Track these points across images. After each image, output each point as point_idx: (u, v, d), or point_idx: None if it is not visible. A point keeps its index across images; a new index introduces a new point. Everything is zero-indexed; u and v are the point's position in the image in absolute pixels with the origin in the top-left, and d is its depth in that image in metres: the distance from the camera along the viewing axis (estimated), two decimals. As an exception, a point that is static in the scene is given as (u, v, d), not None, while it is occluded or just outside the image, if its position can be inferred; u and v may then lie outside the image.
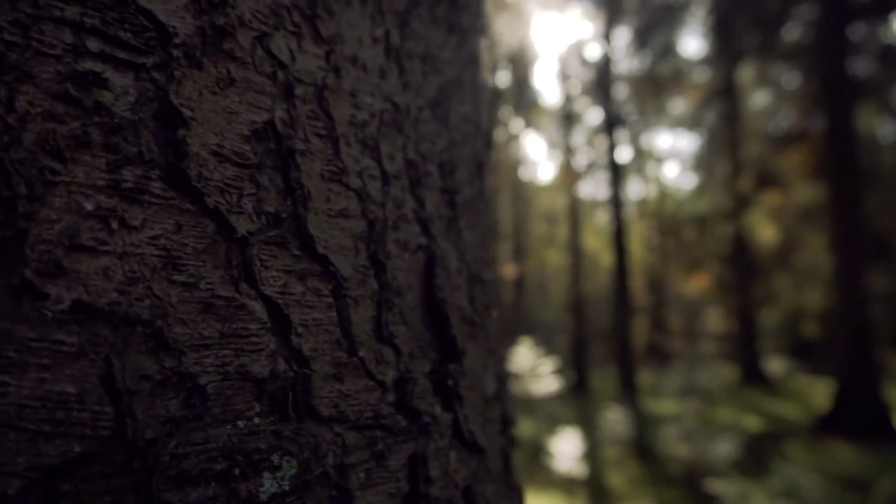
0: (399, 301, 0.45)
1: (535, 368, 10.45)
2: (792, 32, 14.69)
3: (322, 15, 0.42)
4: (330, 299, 0.39)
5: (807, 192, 16.68)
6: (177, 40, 0.35)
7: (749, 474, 8.22)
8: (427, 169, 0.55)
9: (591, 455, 9.82)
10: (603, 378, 18.29)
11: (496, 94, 22.03)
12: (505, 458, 0.64)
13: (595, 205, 25.85)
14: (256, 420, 0.33)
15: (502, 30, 18.91)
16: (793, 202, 17.58)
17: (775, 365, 18.64)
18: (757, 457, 8.97)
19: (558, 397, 14.59)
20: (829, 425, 10.69)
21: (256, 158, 0.37)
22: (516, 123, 27.02)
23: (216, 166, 0.36)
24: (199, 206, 0.35)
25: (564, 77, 16.73)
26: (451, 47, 0.64)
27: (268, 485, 0.32)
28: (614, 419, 10.04)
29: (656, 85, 14.80)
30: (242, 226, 0.35)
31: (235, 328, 0.34)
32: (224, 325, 0.34)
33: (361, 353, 0.41)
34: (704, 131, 19.81)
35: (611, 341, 18.16)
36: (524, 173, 29.22)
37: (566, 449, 8.22)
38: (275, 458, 0.33)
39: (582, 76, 16.72)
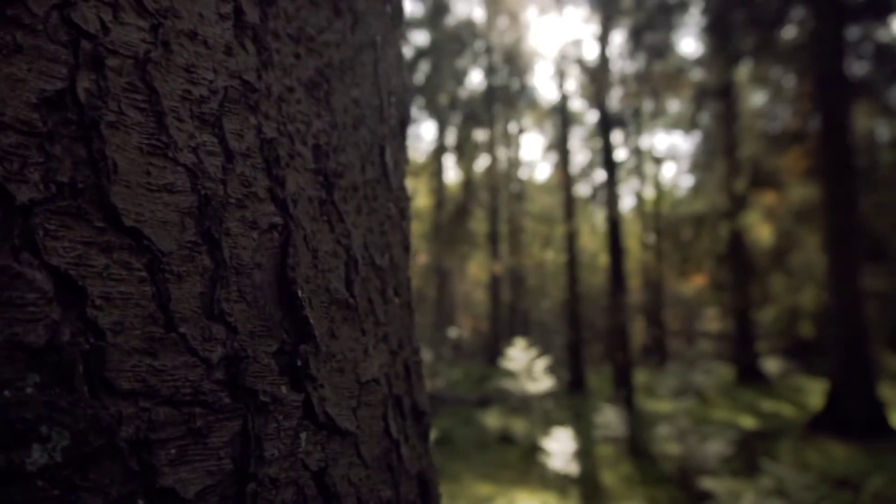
0: (239, 279, 0.45)
1: (529, 367, 10.46)
2: (788, 32, 14.70)
3: None
4: (144, 273, 0.39)
5: (803, 192, 16.68)
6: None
7: (741, 473, 8.23)
8: (295, 149, 0.54)
9: (586, 454, 9.84)
10: (600, 377, 18.30)
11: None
12: (397, 447, 0.63)
13: (592, 205, 25.86)
14: (30, 390, 0.33)
15: (500, 30, 18.93)
16: (789, 202, 17.58)
17: (772, 365, 18.64)
18: (750, 455, 8.97)
19: (554, 396, 14.60)
20: (822, 424, 10.69)
21: (46, 127, 0.36)
22: (514, 123, 27.04)
23: None
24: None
25: (561, 77, 16.72)
26: (339, 30, 0.63)
27: (36, 455, 0.32)
28: (609, 418, 10.04)
29: (652, 85, 14.79)
30: (24, 194, 0.35)
31: (9, 297, 0.33)
32: (-3, 293, 0.33)
33: (182, 330, 0.40)
34: (700, 132, 19.81)
35: (608, 341, 18.17)
36: (522, 173, 29.25)
37: (560, 448, 8.23)
38: (43, 429, 0.32)
39: (578, 76, 16.72)
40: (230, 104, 0.47)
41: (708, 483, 7.20)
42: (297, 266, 0.50)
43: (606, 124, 13.21)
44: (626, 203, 37.22)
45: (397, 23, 0.84)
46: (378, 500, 0.57)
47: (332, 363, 0.53)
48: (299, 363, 0.48)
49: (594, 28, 13.48)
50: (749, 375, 17.03)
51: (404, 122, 0.79)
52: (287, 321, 0.49)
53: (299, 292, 0.49)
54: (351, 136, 0.63)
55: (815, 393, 14.19)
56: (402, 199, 0.77)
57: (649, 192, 26.54)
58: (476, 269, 32.21)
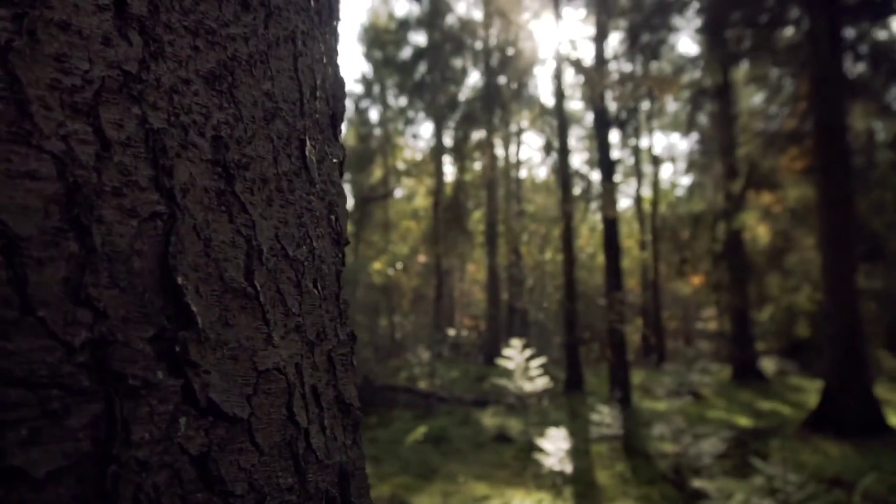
0: (112, 265, 0.46)
1: (525, 367, 10.48)
2: (784, 32, 14.70)
3: None
4: None
5: (800, 192, 16.69)
6: None
7: (736, 471, 8.24)
8: (189, 140, 0.55)
9: (581, 453, 9.85)
10: (598, 377, 18.31)
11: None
12: (306, 435, 0.64)
13: (590, 204, 25.88)
14: None
15: (498, 30, 18.94)
16: (786, 202, 17.59)
17: (769, 364, 18.66)
18: (745, 454, 8.99)
19: (551, 396, 14.63)
20: (817, 423, 10.70)
21: None
22: (512, 123, 27.06)
23: None
24: None
25: (559, 77, 16.74)
26: (248, 24, 0.64)
27: None
28: (604, 417, 10.06)
29: (647, 85, 14.81)
30: None
31: None
32: None
33: (41, 313, 0.41)
34: (697, 132, 19.83)
35: (606, 340, 18.15)
36: (520, 172, 29.27)
37: (554, 447, 8.25)
38: None
39: (576, 76, 16.74)
40: (108, 94, 0.48)
41: (701, 482, 7.22)
42: (180, 254, 0.51)
43: (603, 124, 13.23)
44: (625, 203, 37.23)
45: (328, 18, 0.84)
46: (276, 487, 0.58)
47: (223, 350, 0.54)
48: (178, 349, 0.49)
49: (591, 28, 13.49)
50: (746, 375, 17.04)
51: (336, 116, 0.79)
52: (169, 308, 0.49)
53: (180, 280, 0.50)
54: (262, 128, 0.64)
55: (812, 392, 14.19)
56: (330, 193, 0.78)
57: (648, 193, 26.57)
58: (475, 269, 32.24)
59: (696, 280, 21.76)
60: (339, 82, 0.81)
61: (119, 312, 0.46)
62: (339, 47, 0.86)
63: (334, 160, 0.78)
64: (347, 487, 0.71)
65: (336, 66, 0.81)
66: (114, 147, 0.48)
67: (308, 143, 0.72)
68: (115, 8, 0.49)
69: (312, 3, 0.78)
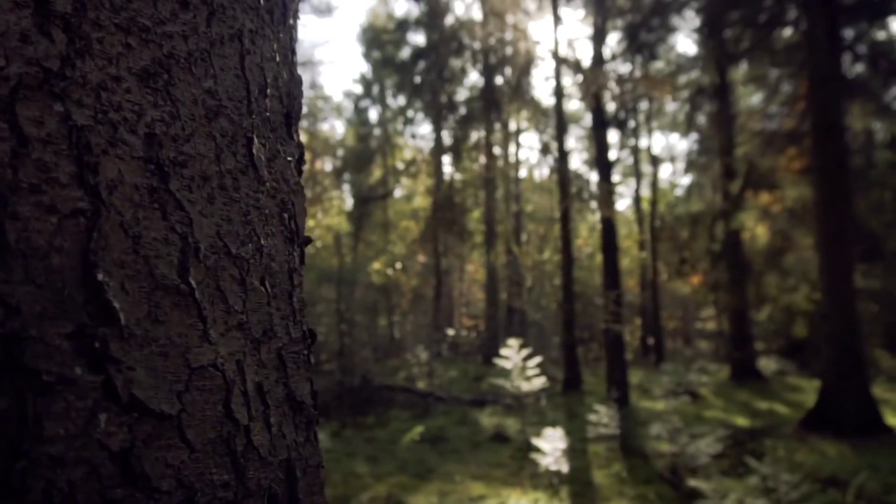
0: (27, 261, 0.46)
1: (522, 367, 10.48)
2: (784, 32, 14.69)
3: None
4: None
5: (799, 192, 16.68)
6: None
7: (732, 471, 8.25)
8: (118, 137, 0.55)
9: (578, 452, 9.86)
10: (596, 377, 18.31)
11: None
12: (247, 432, 0.64)
13: (590, 204, 25.86)
14: None
15: (497, 30, 18.93)
16: (785, 202, 17.57)
17: (767, 364, 18.64)
18: (741, 454, 8.98)
19: (549, 396, 14.63)
20: (815, 423, 10.69)
21: None
22: (511, 123, 27.06)
23: None
24: None
25: (557, 77, 16.74)
26: (187, 22, 0.64)
27: None
28: (602, 417, 10.06)
29: (647, 85, 14.81)
30: None
31: None
32: None
33: None
34: (696, 132, 19.82)
35: (603, 340, 18.13)
36: (519, 172, 29.27)
37: (551, 446, 8.25)
38: None
39: (574, 76, 16.74)
40: (26, 91, 0.48)
41: (693, 482, 7.23)
42: (102, 250, 0.51)
43: (600, 124, 13.23)
44: (624, 203, 37.21)
45: (281, 17, 0.84)
46: (209, 483, 0.58)
47: (151, 347, 0.54)
48: (97, 345, 0.49)
49: (589, 28, 13.48)
50: (745, 375, 17.03)
51: (290, 115, 0.80)
52: (91, 304, 0.50)
53: (101, 276, 0.50)
54: (203, 126, 0.65)
55: (810, 392, 14.18)
56: (283, 191, 0.78)
57: (647, 193, 26.56)
58: (474, 269, 32.24)
59: (696, 280, 21.76)
60: (295, 81, 0.81)
61: (34, 308, 0.46)
62: (295, 45, 0.86)
63: (289, 158, 0.78)
64: (295, 485, 0.71)
65: (292, 65, 0.81)
66: (32, 144, 0.48)
67: (256, 141, 0.72)
68: (35, 5, 0.49)
69: (262, 1, 0.78)
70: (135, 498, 0.50)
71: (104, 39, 0.55)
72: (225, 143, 0.67)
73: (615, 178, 31.67)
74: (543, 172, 30.65)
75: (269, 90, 0.74)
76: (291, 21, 0.82)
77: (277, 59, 0.76)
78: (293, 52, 0.81)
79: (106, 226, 0.52)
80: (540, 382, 10.38)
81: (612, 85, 13.61)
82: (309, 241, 0.90)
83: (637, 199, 26.75)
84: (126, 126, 0.56)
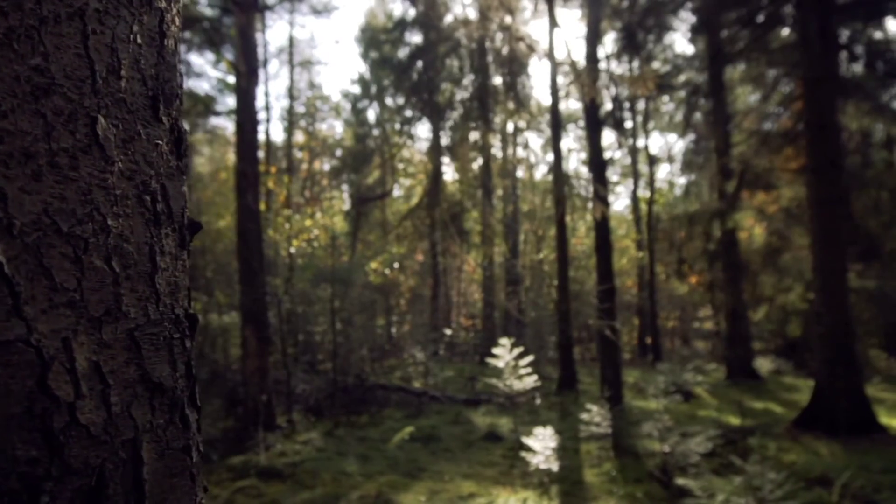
0: None
1: (514, 366, 10.47)
2: (781, 32, 14.68)
3: None
4: None
5: (794, 192, 16.66)
6: None
7: (723, 469, 8.24)
8: None
9: (570, 451, 9.85)
10: (593, 376, 18.31)
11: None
12: (71, 410, 0.65)
13: (588, 204, 25.83)
14: None
15: (494, 30, 18.93)
16: (781, 201, 17.56)
17: (764, 364, 18.63)
18: (732, 452, 8.97)
19: (544, 395, 14.63)
20: (808, 422, 10.68)
21: None
22: (509, 123, 27.06)
23: None
24: None
25: (553, 77, 16.74)
26: (11, 1, 0.65)
27: None
28: (594, 416, 10.05)
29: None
30: None
31: None
32: None
33: None
34: (693, 132, 19.79)
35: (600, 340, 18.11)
36: (517, 172, 29.25)
37: (541, 445, 8.25)
38: None
39: (570, 76, 16.73)
40: None
41: (682, 481, 7.22)
42: None
43: (594, 124, 13.21)
44: (622, 203, 37.18)
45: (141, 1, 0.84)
46: (11, 458, 0.59)
47: None
48: None
49: (584, 28, 13.47)
50: (741, 374, 17.02)
51: (157, 98, 0.80)
52: None
53: None
54: (28, 103, 0.65)
55: (805, 391, 14.16)
56: (145, 173, 0.78)
57: (645, 193, 26.54)
58: (472, 269, 32.23)
59: (693, 280, 21.74)
60: (167, 64, 0.81)
61: None
62: (168, 29, 0.85)
63: (157, 142, 0.78)
64: (140, 466, 0.71)
65: (162, 48, 0.81)
66: None
67: (102, 121, 0.73)
68: None
69: None
70: None
71: None
72: (60, 122, 0.67)
73: (614, 178, 31.68)
74: (542, 172, 30.64)
75: (123, 71, 0.74)
76: (163, 4, 0.83)
77: (138, 40, 0.77)
78: (165, 36, 0.82)
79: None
80: (532, 381, 10.37)
81: (605, 84, 13.60)
82: (197, 226, 0.90)
83: (635, 199, 26.74)
84: None
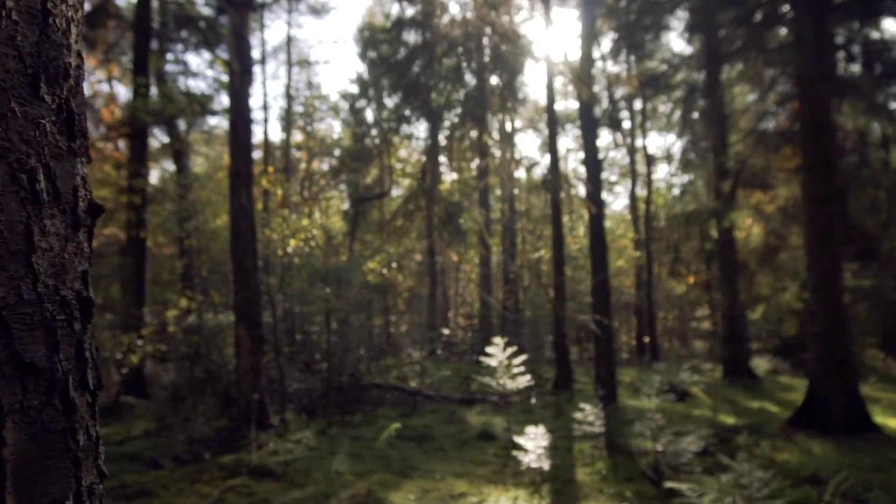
0: None
1: (508, 365, 10.46)
2: (777, 30, 14.65)
3: None
4: None
5: (790, 191, 16.63)
6: None
7: (715, 468, 8.22)
8: None
9: (563, 450, 9.84)
10: (588, 375, 18.28)
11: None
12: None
13: (584, 203, 25.81)
14: None
15: (491, 30, 18.93)
16: (777, 201, 17.53)
17: (761, 363, 18.60)
18: (725, 452, 8.95)
19: (540, 394, 14.62)
20: (802, 421, 10.67)
21: None
22: (507, 122, 27.05)
23: None
24: None
25: (550, 77, 16.73)
26: None
27: None
28: (587, 415, 10.03)
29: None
30: None
31: None
32: None
33: None
34: (690, 131, 19.76)
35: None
36: (514, 172, 29.20)
37: (533, 444, 8.24)
38: None
39: (567, 76, 16.72)
40: None
41: (675, 480, 7.21)
42: None
43: (589, 124, 13.20)
44: (621, 203, 37.14)
45: None
46: None
47: None
48: None
49: (580, 28, 13.45)
50: (737, 373, 17.00)
51: (37, 76, 0.79)
52: None
53: None
54: None
55: (801, 391, 14.13)
56: (20, 150, 0.77)
57: (643, 192, 26.50)
58: (470, 268, 32.22)
59: (691, 279, 21.71)
60: (51, 42, 0.81)
61: None
62: (54, 7, 0.85)
63: (39, 120, 0.78)
64: (1, 446, 0.70)
65: (45, 26, 0.80)
66: None
67: (12, 102, 0.73)
68: None
69: None
70: None
71: None
72: None
73: (612, 178, 31.66)
74: (541, 172, 30.58)
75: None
76: None
77: (13, 16, 0.76)
78: (50, 14, 0.81)
79: None
80: (525, 380, 10.36)
81: (599, 84, 13.59)
82: (99, 210, 0.90)
83: (633, 199, 26.71)
84: None
